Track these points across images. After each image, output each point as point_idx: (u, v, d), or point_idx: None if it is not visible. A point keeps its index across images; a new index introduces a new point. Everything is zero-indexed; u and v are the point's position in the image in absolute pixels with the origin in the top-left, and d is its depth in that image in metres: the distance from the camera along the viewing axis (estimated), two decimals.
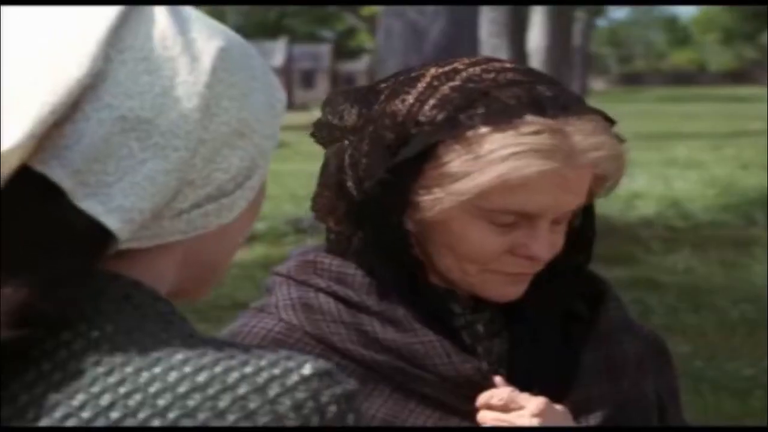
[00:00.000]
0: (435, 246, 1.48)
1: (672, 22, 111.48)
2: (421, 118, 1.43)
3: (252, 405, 0.95)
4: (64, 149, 0.99)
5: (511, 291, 1.49)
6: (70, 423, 0.95)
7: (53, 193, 0.99)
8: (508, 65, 1.48)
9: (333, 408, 0.96)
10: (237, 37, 1.10)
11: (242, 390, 0.95)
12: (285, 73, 61.64)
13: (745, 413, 6.03)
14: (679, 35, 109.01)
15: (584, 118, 1.44)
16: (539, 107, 1.42)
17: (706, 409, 5.96)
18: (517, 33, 15.65)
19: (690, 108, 39.86)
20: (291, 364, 0.97)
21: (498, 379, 1.48)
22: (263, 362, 0.97)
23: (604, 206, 13.53)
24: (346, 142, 1.49)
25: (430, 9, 8.92)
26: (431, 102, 1.43)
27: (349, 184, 1.48)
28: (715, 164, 18.29)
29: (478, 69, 1.46)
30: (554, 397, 1.49)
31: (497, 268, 1.47)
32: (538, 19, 26.89)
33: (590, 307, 1.56)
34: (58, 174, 0.98)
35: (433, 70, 1.47)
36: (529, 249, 1.45)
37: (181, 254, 1.07)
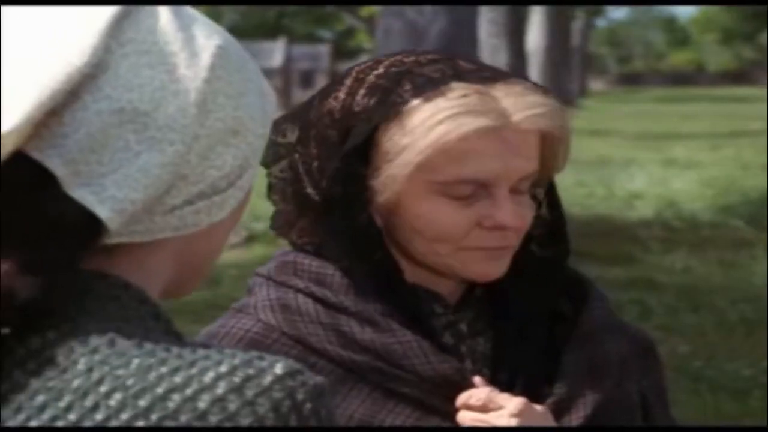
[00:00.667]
0: (404, 234, 1.50)
1: (671, 23, 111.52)
2: (356, 108, 1.48)
3: (232, 406, 0.96)
4: (60, 137, 0.99)
5: (491, 268, 1.50)
6: (60, 425, 0.96)
7: (46, 180, 0.99)
8: (428, 52, 1.54)
9: (308, 405, 0.98)
10: (233, 39, 1.11)
11: (220, 390, 0.96)
12: (284, 73, 61.63)
13: (744, 413, 6.03)
14: (678, 35, 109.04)
15: (510, 83, 1.48)
16: (463, 77, 1.48)
17: (705, 410, 5.96)
18: (516, 33, 15.65)
19: (689, 108, 39.87)
20: (263, 363, 0.98)
21: (477, 379, 1.49)
22: (237, 361, 0.98)
23: (602, 206, 13.56)
24: (296, 155, 1.53)
25: (429, 9, 8.93)
26: (361, 92, 1.49)
27: (309, 190, 1.52)
28: (714, 164, 18.28)
29: (399, 57, 1.53)
30: (536, 397, 1.50)
31: (471, 244, 1.48)
32: (537, 20, 26.88)
33: (575, 307, 1.58)
34: (53, 162, 0.99)
35: (356, 68, 1.54)
36: (494, 218, 1.47)
37: (171, 252, 1.07)
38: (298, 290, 1.52)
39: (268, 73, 62.79)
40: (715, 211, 13.08)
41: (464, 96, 1.45)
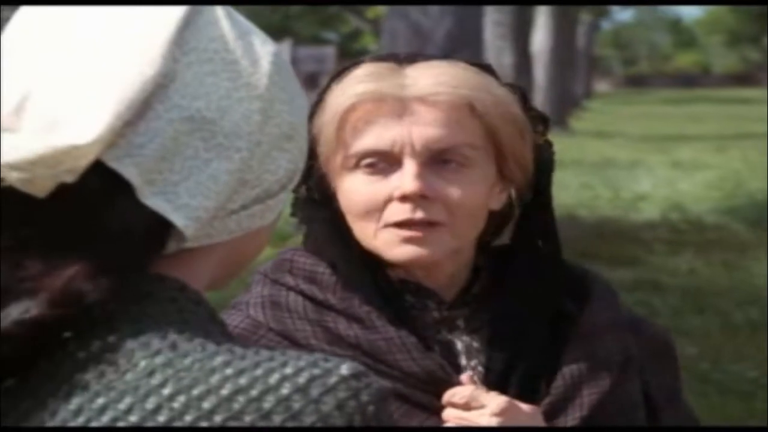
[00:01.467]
0: (348, 219, 1.53)
1: (676, 24, 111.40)
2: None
3: (296, 405, 0.96)
4: (137, 147, 1.00)
5: (403, 250, 1.50)
6: (121, 426, 0.96)
7: (122, 188, 1.00)
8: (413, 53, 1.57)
9: (371, 408, 0.98)
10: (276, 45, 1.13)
11: (285, 391, 0.97)
12: None
13: (750, 415, 6.03)
14: (684, 37, 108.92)
15: (432, 63, 1.51)
16: (386, 59, 1.52)
17: (711, 411, 5.95)
18: (521, 35, 15.65)
19: (694, 110, 39.83)
20: (329, 365, 0.99)
21: (464, 376, 1.50)
22: (302, 363, 0.98)
23: (608, 208, 13.55)
24: None
25: (434, 11, 8.93)
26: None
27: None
28: (720, 166, 18.26)
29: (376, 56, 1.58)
30: (532, 396, 1.50)
31: (389, 219, 1.49)
32: (542, 21, 26.86)
33: (579, 306, 1.58)
34: (129, 170, 1.00)
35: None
36: (400, 188, 1.48)
37: (221, 253, 1.09)
38: (290, 288, 1.55)
39: None
40: (721, 213, 13.06)
41: (370, 71, 1.50)
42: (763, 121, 27.57)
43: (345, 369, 0.99)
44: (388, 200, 1.49)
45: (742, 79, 79.09)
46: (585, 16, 46.28)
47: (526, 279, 1.55)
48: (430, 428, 1.48)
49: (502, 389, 1.50)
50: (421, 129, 1.48)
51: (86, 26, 1.03)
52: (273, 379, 0.97)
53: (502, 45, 14.98)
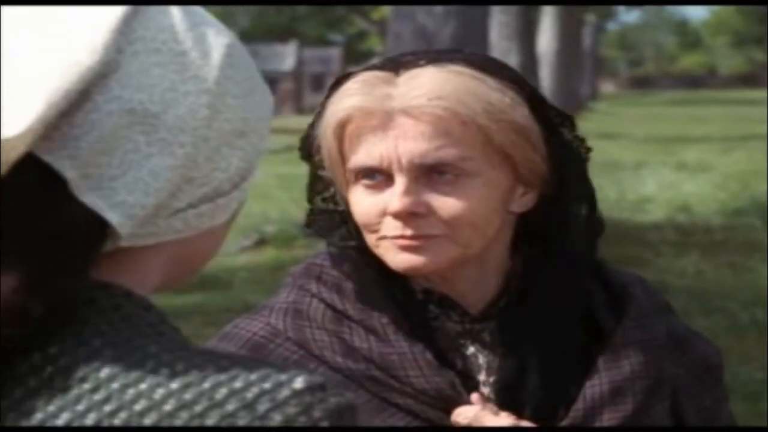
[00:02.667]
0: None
1: (682, 26, 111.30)
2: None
3: (241, 422, 0.91)
4: (72, 139, 0.95)
5: (401, 259, 1.46)
6: None
7: (56, 184, 0.95)
8: (417, 52, 1.54)
9: (325, 423, 0.92)
10: (235, 37, 1.08)
11: (230, 407, 0.92)
12: (295, 76, 61.62)
13: (756, 416, 6.02)
14: (690, 38, 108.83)
15: (424, 71, 1.46)
16: (385, 66, 1.49)
17: None
18: (527, 36, 15.64)
19: (700, 111, 39.79)
20: (282, 377, 0.94)
21: (475, 396, 1.46)
22: (253, 377, 0.94)
23: (613, 210, 13.53)
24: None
25: (439, 12, 8.92)
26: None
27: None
28: (726, 167, 18.24)
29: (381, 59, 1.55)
30: (548, 418, 1.46)
31: (387, 233, 1.47)
32: (548, 23, 26.85)
33: (616, 322, 1.52)
34: (63, 164, 0.95)
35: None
36: (389, 205, 1.46)
37: (168, 254, 1.04)
38: (313, 295, 1.52)
39: (280, 76, 62.80)
40: (727, 215, 13.04)
41: (361, 82, 1.47)
42: None
43: (299, 382, 0.93)
44: (384, 214, 1.46)
45: (748, 80, 79.00)
46: (591, 17, 46.25)
47: (550, 289, 1.50)
48: (446, 428, 1.46)
49: (516, 410, 1.46)
50: (407, 143, 1.44)
51: (26, 15, 0.99)
52: (219, 394, 0.92)
53: (507, 46, 14.96)
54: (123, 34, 0.98)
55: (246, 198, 1.10)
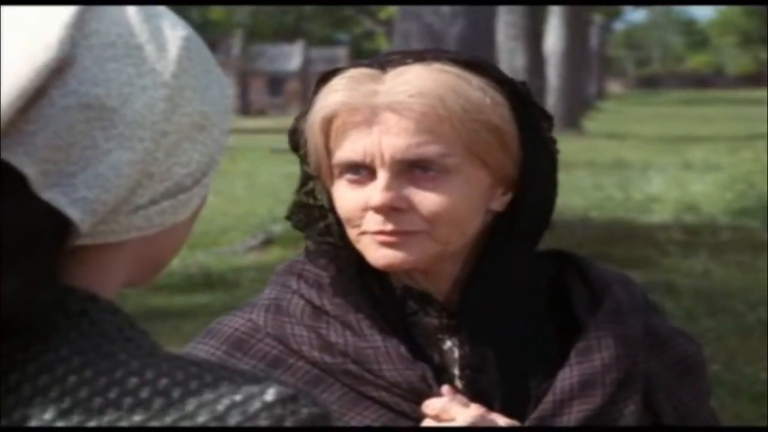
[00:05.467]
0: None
1: (689, 25, 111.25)
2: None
3: None
4: (29, 135, 0.94)
5: (380, 255, 1.48)
6: None
7: (15, 182, 0.93)
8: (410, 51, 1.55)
9: None
10: (193, 30, 1.06)
11: (201, 418, 0.90)
12: (302, 76, 61.66)
13: (763, 416, 6.01)
14: (697, 38, 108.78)
15: (410, 68, 1.47)
16: (371, 63, 1.50)
17: (724, 413, 5.94)
18: (534, 36, 15.63)
19: (707, 111, 39.77)
20: (253, 389, 0.92)
21: (445, 388, 1.48)
22: (223, 388, 0.92)
23: (620, 209, 13.53)
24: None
25: (447, 12, 8.92)
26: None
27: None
28: (733, 167, 18.23)
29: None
30: (520, 411, 1.48)
31: (367, 228, 1.48)
32: (555, 23, 26.83)
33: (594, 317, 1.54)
34: (21, 161, 0.93)
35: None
36: (371, 200, 1.47)
37: (131, 252, 1.02)
38: (294, 292, 1.55)
39: (286, 75, 62.82)
40: (734, 215, 13.03)
41: (348, 79, 1.48)
42: None
43: (270, 394, 0.92)
44: (366, 209, 1.47)
45: (755, 79, 78.93)
46: (598, 17, 46.22)
47: (519, 286, 1.53)
48: (422, 428, 1.47)
49: (487, 402, 1.48)
50: (390, 139, 1.45)
51: None
52: (190, 405, 0.91)
53: (514, 46, 14.96)
54: (77, 28, 0.96)
55: (207, 195, 1.08)
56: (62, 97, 0.95)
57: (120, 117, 0.97)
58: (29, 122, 0.94)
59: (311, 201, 1.56)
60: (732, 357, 7.08)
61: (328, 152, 1.50)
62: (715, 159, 20.09)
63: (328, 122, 1.49)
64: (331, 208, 1.53)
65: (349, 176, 1.49)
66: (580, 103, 30.73)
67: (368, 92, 1.46)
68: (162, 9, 1.03)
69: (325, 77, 1.52)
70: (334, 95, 1.48)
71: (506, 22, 14.75)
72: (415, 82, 1.46)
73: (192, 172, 1.02)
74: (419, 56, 1.49)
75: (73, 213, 0.95)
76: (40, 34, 0.95)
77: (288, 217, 1.59)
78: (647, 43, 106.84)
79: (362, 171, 1.48)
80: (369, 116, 1.46)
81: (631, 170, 17.85)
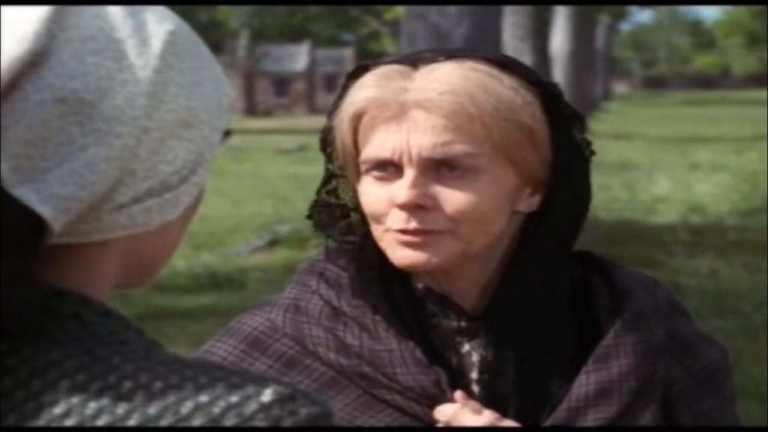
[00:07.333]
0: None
1: (696, 26, 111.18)
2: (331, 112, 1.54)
3: None
4: (1, 130, 0.91)
5: (403, 255, 1.47)
6: None
7: None
8: (433, 49, 1.55)
9: None
10: (186, 25, 1.03)
11: (197, 422, 0.88)
12: (308, 76, 61.69)
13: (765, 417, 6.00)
14: (703, 39, 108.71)
15: (441, 66, 1.47)
16: (403, 60, 1.49)
17: None
18: (540, 37, 15.62)
19: (713, 111, 39.74)
20: (249, 390, 0.90)
21: (458, 393, 1.46)
22: (219, 389, 0.90)
23: (626, 210, 13.52)
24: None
25: (453, 13, 8.92)
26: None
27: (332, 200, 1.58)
28: (739, 168, 18.21)
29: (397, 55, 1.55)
30: (534, 417, 1.46)
31: (392, 226, 1.47)
32: (561, 23, 26.83)
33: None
34: None
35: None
36: (396, 196, 1.46)
37: (119, 253, 0.99)
38: (313, 292, 1.54)
39: (293, 76, 62.86)
40: (740, 215, 13.02)
41: (379, 75, 1.47)
42: None
43: (267, 395, 0.90)
44: (391, 206, 1.46)
45: (761, 80, 78.83)
46: (604, 17, 46.19)
47: (546, 290, 1.50)
48: (438, 428, 1.46)
49: (502, 406, 1.46)
50: (418, 136, 1.44)
51: None
52: (185, 408, 0.89)
53: (520, 47, 14.95)
54: (55, 21, 0.93)
55: (203, 194, 1.06)
56: (37, 91, 0.92)
57: (98, 112, 0.94)
58: (1, 117, 0.91)
59: (333, 200, 1.55)
60: (738, 357, 7.06)
61: (356, 148, 1.49)
62: (721, 159, 20.08)
63: (357, 118, 1.48)
64: (355, 207, 1.53)
65: (375, 173, 1.47)
66: (586, 104, 30.69)
67: (398, 89, 1.45)
68: (150, 5, 1.00)
69: (356, 72, 1.51)
70: (364, 91, 1.47)
71: (512, 23, 14.74)
72: (445, 80, 1.44)
73: (178, 170, 0.99)
74: (451, 54, 1.48)
75: (45, 210, 0.92)
76: (15, 27, 0.93)
77: (309, 216, 1.57)
78: (653, 43, 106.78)
79: (389, 168, 1.46)
80: (398, 113, 1.45)
81: (638, 171, 17.84)
